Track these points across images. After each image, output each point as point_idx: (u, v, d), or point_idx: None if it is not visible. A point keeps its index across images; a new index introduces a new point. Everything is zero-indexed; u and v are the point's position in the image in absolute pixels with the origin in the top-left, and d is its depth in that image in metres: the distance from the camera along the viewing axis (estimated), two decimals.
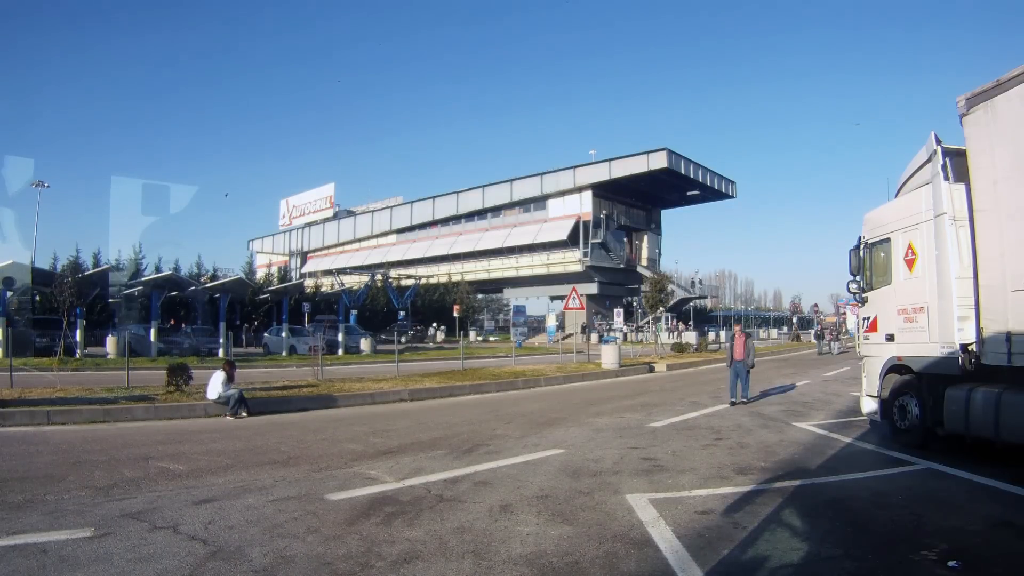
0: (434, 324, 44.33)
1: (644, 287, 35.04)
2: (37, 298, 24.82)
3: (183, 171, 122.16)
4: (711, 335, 39.81)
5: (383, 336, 35.69)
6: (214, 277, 40.21)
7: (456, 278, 51.41)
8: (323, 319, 33.88)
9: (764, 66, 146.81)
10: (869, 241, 8.26)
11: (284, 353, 25.78)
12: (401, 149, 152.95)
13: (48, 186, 26.25)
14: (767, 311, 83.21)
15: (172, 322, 32.70)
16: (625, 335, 35.21)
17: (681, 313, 50.96)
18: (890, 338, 7.70)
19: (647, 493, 5.42)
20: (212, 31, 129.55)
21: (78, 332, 21.44)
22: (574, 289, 22.93)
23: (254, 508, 4.97)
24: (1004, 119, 5.89)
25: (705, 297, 62.65)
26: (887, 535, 4.31)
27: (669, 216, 58.45)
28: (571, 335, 34.95)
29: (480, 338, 46.47)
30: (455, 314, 26.34)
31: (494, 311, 66.31)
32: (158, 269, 38.36)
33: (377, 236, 59.87)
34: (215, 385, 10.38)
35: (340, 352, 25.63)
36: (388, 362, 20.31)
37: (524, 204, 50.19)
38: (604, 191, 46.78)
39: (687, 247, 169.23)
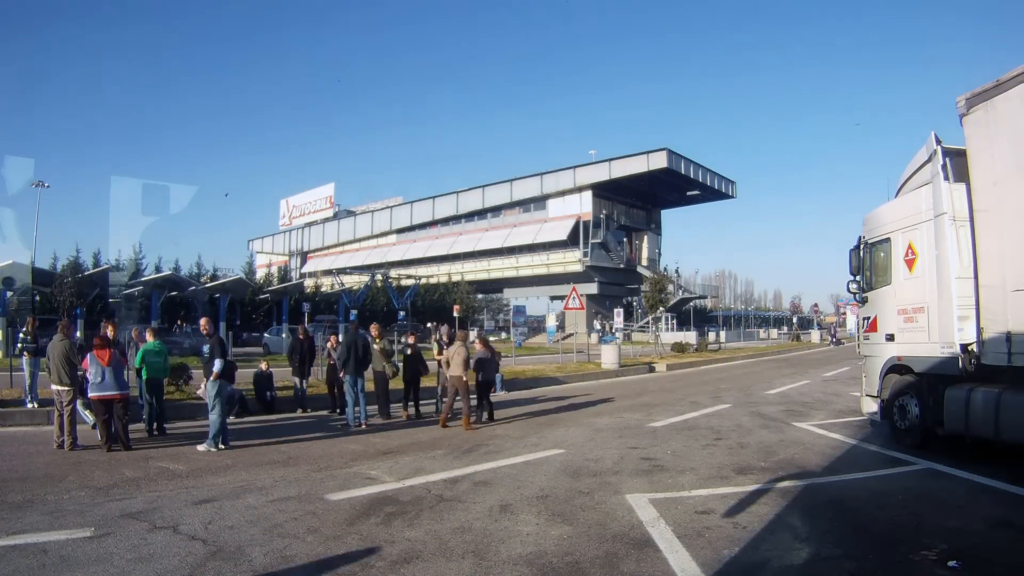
0: (432, 324, 44.31)
1: (644, 287, 35.02)
2: (37, 298, 24.80)
3: (183, 171, 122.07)
4: (711, 335, 39.81)
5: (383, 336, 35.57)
6: (214, 277, 40.16)
7: (456, 278, 51.32)
8: (323, 319, 33.84)
9: (764, 66, 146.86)
10: (869, 241, 8.26)
11: (284, 353, 25.77)
12: (401, 149, 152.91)
13: (48, 186, 26.21)
14: (767, 311, 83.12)
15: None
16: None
17: (681, 313, 50.94)
18: (890, 338, 7.70)
19: (647, 493, 5.42)
20: (212, 31, 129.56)
21: (78, 332, 21.44)
22: (574, 289, 22.90)
23: (254, 508, 4.98)
24: (1004, 119, 5.89)
25: (705, 297, 62.64)
26: (887, 535, 4.31)
27: (669, 216, 58.44)
28: (571, 335, 34.93)
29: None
30: (455, 314, 26.24)
31: (494, 311, 66.15)
32: (158, 269, 38.30)
33: (377, 236, 59.80)
34: None
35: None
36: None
37: (524, 204, 50.14)
38: (604, 191, 46.74)
39: (687, 247, 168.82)
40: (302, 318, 32.69)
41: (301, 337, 11.64)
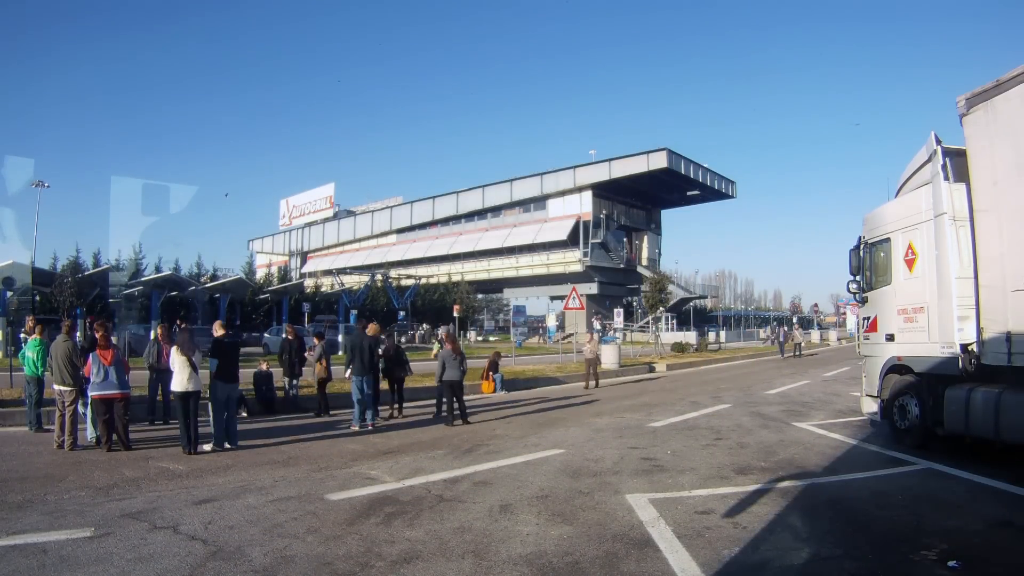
0: (426, 325, 44.32)
1: (644, 287, 35.03)
2: (37, 298, 24.79)
3: (183, 171, 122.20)
4: (711, 335, 39.81)
5: (383, 336, 35.65)
6: (214, 277, 40.18)
7: (456, 278, 51.31)
8: (323, 319, 33.89)
9: (764, 66, 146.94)
10: (869, 241, 8.26)
11: (275, 352, 25.75)
12: (401, 149, 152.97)
13: (48, 186, 26.19)
14: (767, 311, 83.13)
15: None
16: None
17: (681, 313, 50.95)
18: (890, 338, 7.70)
19: (647, 493, 5.42)
20: (212, 31, 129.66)
21: (78, 332, 21.43)
22: (574, 289, 22.90)
23: (254, 508, 4.98)
24: (1004, 119, 5.89)
25: (705, 297, 62.67)
26: (887, 535, 4.31)
27: (669, 216, 58.38)
28: (571, 335, 34.93)
29: (480, 338, 46.42)
30: (455, 314, 26.30)
31: (494, 311, 66.15)
32: (158, 269, 38.32)
33: (377, 236, 59.78)
34: None
35: (340, 352, 25.61)
36: None
37: (524, 204, 50.12)
38: (604, 191, 46.73)
39: (687, 247, 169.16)
40: (302, 318, 32.78)
41: (290, 337, 11.64)
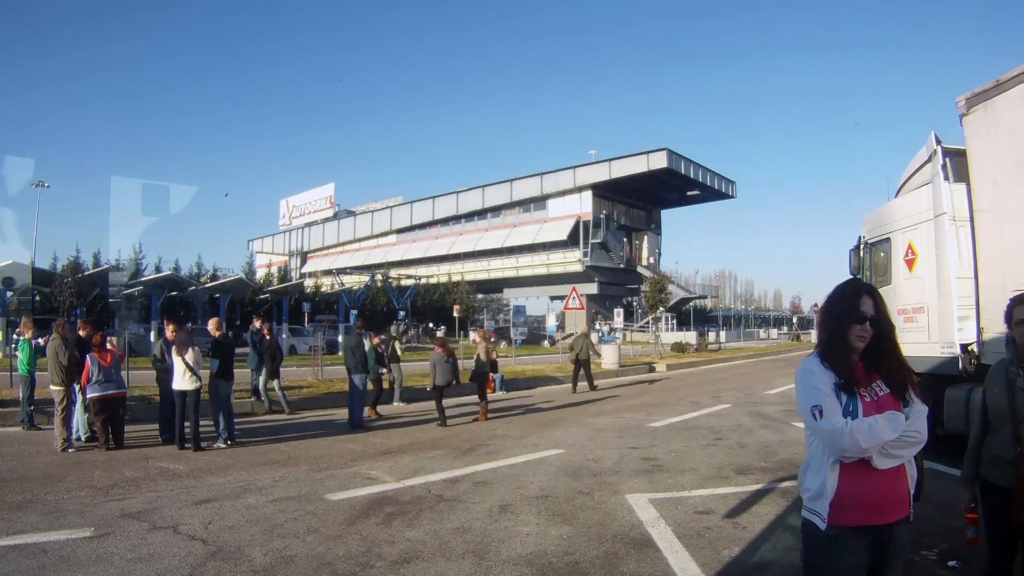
0: (430, 324, 44.25)
1: (644, 287, 35.01)
2: (37, 298, 24.80)
3: (183, 171, 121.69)
4: (711, 335, 39.81)
5: (383, 336, 35.66)
6: (214, 277, 40.22)
7: (456, 278, 51.32)
8: (323, 319, 33.89)
9: (764, 66, 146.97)
10: (869, 241, 8.26)
11: (284, 353, 25.75)
12: (401, 149, 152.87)
13: (48, 186, 26.17)
14: (767, 311, 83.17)
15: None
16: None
17: (681, 313, 50.95)
18: None
19: (647, 493, 5.42)
20: (212, 31, 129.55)
21: (80, 333, 21.41)
22: (574, 289, 22.93)
23: (254, 508, 4.98)
24: (1004, 119, 5.89)
25: (705, 297, 62.65)
26: None
27: (669, 216, 58.35)
28: (571, 335, 34.91)
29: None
30: (455, 314, 26.35)
31: (494, 311, 66.05)
32: (158, 269, 38.35)
33: (377, 236, 59.77)
34: None
35: (340, 352, 25.60)
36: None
37: (524, 204, 50.11)
38: (604, 191, 46.73)
39: (687, 247, 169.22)
40: (302, 318, 32.76)
41: (268, 336, 11.27)
